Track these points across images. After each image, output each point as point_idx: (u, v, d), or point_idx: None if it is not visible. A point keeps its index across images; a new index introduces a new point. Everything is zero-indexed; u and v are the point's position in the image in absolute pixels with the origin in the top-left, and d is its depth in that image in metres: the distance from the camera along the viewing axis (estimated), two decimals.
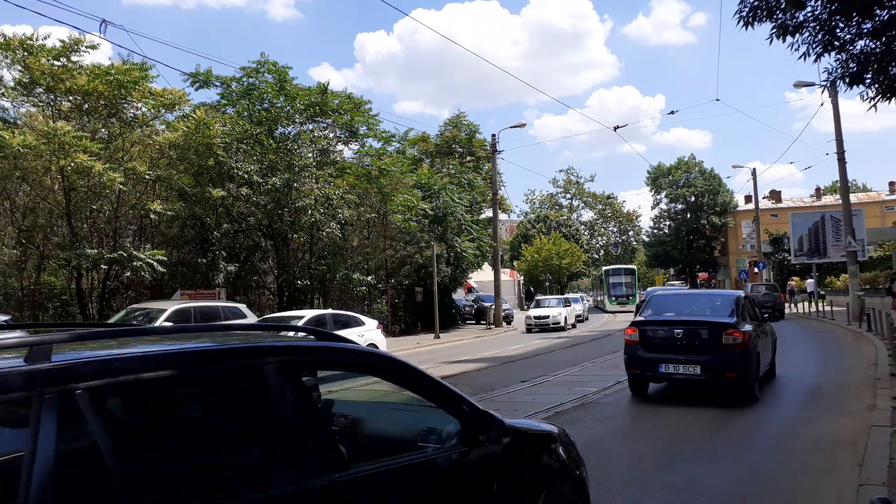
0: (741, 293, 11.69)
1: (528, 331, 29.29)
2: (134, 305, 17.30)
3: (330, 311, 16.76)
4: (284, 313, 16.52)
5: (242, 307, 18.15)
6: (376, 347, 15.01)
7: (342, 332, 14.10)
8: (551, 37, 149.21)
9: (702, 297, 12.81)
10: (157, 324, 14.87)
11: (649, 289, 43.09)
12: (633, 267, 57.24)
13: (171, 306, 16.01)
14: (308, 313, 15.13)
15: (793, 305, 37.93)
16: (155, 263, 17.76)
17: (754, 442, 7.64)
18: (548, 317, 29.84)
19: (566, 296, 38.15)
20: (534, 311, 30.99)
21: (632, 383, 10.65)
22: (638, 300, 50.97)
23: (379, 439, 3.00)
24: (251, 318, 17.88)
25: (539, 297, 38.22)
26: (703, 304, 11.35)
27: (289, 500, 2.47)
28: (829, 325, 25.09)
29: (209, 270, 21.80)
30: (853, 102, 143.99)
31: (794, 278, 45.86)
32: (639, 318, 10.81)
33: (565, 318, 30.24)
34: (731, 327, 9.54)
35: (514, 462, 3.52)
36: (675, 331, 9.89)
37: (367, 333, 15.51)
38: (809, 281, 37.83)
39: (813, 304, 31.71)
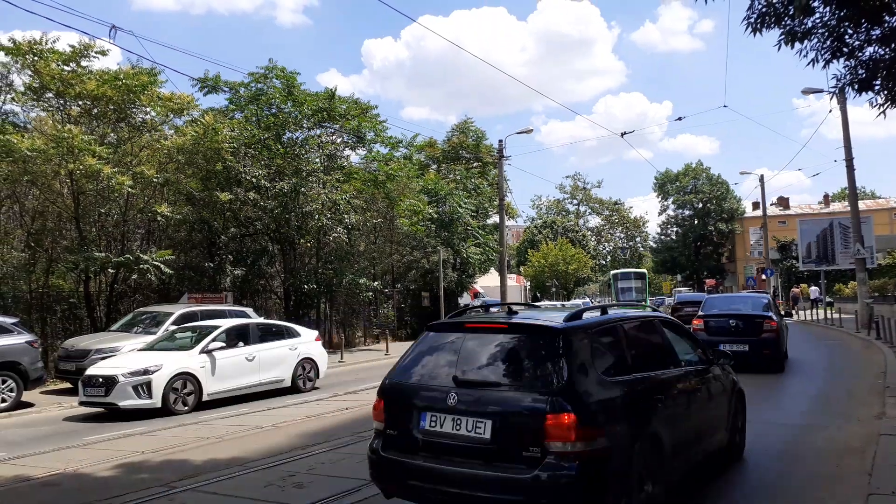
0: (769, 296, 16.48)
1: None
2: (141, 309, 17.36)
3: (260, 320, 15.59)
4: (202, 322, 14.00)
5: (249, 311, 18.19)
6: (313, 361, 14.13)
7: (268, 344, 13.15)
8: (558, 43, 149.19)
9: (742, 298, 17.35)
10: (164, 327, 14.92)
11: (679, 294, 46.18)
12: (644, 271, 54.83)
13: (178, 309, 16.08)
14: (227, 322, 13.56)
15: (796, 312, 37.86)
16: (162, 265, 17.80)
17: (762, 448, 7.58)
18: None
19: (547, 303, 35.76)
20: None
21: None
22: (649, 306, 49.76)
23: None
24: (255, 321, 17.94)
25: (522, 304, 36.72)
26: (744, 303, 15.44)
27: (682, 373, 5.88)
28: (837, 332, 24.94)
29: (216, 274, 21.85)
30: (861, 109, 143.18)
31: (802, 285, 45.66)
32: (701, 313, 14.70)
33: None
34: (769, 318, 13.75)
35: (724, 376, 6.88)
36: (730, 321, 13.95)
37: (301, 346, 13.97)
38: (814, 288, 38.27)
39: (818, 311, 31.66)
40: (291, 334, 14.11)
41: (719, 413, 6.54)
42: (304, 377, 13.90)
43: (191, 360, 11.88)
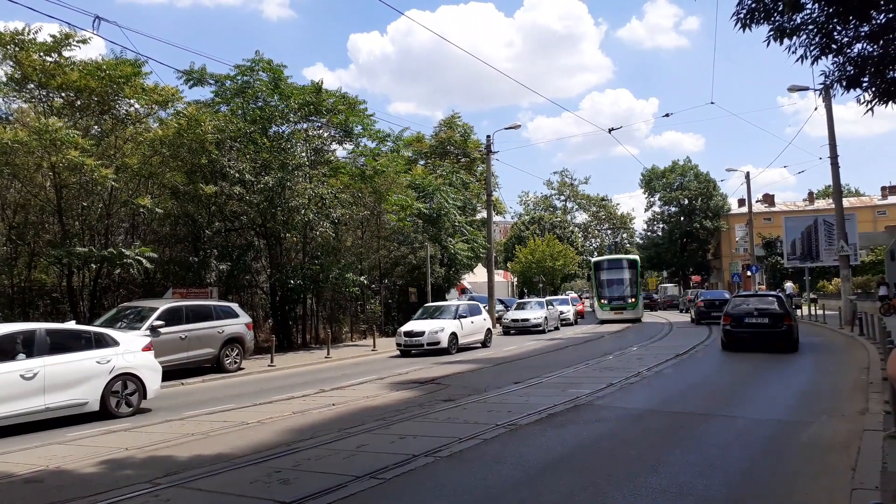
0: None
1: (403, 354, 20.62)
2: (125, 304, 17.20)
3: (55, 325, 11.62)
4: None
5: (234, 306, 18.07)
6: (136, 378, 11.07)
7: (62, 357, 10.12)
8: (545, 39, 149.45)
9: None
10: (149, 323, 14.77)
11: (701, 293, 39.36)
12: (636, 257, 40.99)
13: (163, 305, 15.93)
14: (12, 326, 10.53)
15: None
16: (144, 261, 17.63)
17: (746, 445, 7.61)
18: (422, 333, 20.33)
19: (459, 302, 25.27)
20: (406, 327, 21.38)
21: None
22: (641, 304, 37.71)
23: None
24: (243, 317, 17.81)
25: (432, 303, 26.01)
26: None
27: (794, 308, 23.19)
28: (821, 328, 25.16)
29: (201, 269, 21.68)
30: (845, 108, 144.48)
31: (787, 281, 46.09)
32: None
33: (451, 335, 20.62)
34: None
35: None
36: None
37: (116, 358, 10.83)
38: (788, 284, 39.43)
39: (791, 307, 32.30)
40: (103, 343, 10.92)
41: (797, 323, 18.20)
42: (122, 398, 10.85)
43: None
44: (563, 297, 43.26)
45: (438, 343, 20.28)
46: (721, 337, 18.23)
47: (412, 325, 21.20)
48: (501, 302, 37.51)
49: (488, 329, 23.78)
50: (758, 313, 17.45)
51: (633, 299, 36.07)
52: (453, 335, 20.83)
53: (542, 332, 28.96)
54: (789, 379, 13.14)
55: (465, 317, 22.02)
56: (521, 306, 32.03)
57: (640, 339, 23.76)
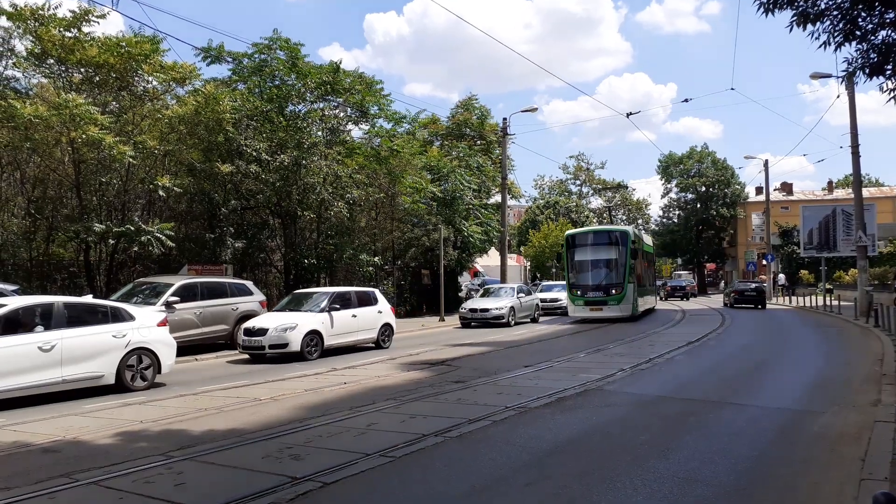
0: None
1: (255, 360, 15.16)
2: (141, 279, 17.39)
3: (73, 298, 11.47)
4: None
5: (249, 284, 18.23)
6: (151, 353, 11.20)
7: (79, 330, 10.22)
8: (563, 22, 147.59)
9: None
10: (164, 298, 14.95)
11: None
12: (627, 229, 27.68)
13: (178, 281, 16.10)
14: (15, 300, 10.46)
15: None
16: (163, 237, 17.80)
17: (756, 433, 7.61)
18: (265, 331, 14.87)
19: (338, 289, 17.95)
20: (251, 322, 15.71)
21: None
22: (633, 296, 25.39)
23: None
24: (257, 295, 17.97)
25: (302, 290, 19.28)
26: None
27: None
28: (836, 319, 24.98)
29: (216, 246, 21.86)
30: (866, 96, 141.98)
31: (779, 274, 46.50)
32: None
33: (309, 334, 15.17)
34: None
35: None
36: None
37: (132, 333, 10.96)
38: (781, 276, 46.67)
39: (782, 297, 41.62)
40: (120, 317, 11.00)
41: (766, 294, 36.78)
42: (137, 372, 10.99)
43: None
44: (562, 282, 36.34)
45: (286, 345, 14.83)
46: (730, 301, 35.85)
47: (257, 320, 15.75)
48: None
49: (386, 324, 17.93)
50: (750, 290, 35.16)
51: (618, 290, 25.03)
52: (313, 335, 15.31)
53: (507, 325, 24.24)
54: (801, 368, 13.08)
55: (339, 308, 16.28)
56: (487, 293, 27.18)
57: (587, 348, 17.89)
